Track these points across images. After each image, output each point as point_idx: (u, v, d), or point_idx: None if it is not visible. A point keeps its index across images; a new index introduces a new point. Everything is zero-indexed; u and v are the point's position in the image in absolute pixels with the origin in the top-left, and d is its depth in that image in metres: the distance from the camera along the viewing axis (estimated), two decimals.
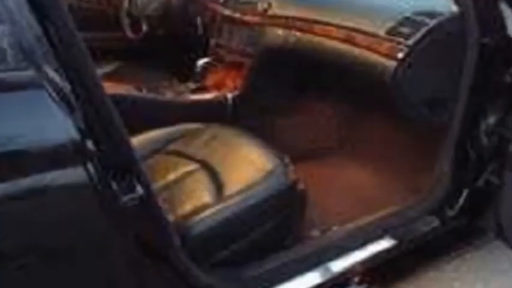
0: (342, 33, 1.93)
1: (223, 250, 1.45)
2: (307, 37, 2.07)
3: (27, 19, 1.04)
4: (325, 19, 2.01)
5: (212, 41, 2.47)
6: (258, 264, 1.49)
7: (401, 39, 1.78)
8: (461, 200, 1.76)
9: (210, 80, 2.42)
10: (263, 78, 2.29)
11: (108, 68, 2.55)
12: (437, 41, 1.76)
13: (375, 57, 1.82)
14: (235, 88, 2.33)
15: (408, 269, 1.78)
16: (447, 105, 1.76)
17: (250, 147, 1.68)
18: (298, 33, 2.10)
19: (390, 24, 1.83)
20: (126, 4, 2.61)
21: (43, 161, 1.05)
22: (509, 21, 1.60)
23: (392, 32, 1.81)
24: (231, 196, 1.50)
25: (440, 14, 1.80)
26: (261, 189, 1.51)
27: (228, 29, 2.42)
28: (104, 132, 1.12)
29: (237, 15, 2.37)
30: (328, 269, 1.56)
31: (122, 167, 1.15)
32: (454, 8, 1.74)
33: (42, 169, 1.04)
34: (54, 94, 1.04)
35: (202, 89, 2.38)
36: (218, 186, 1.56)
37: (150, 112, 2.16)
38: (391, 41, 1.80)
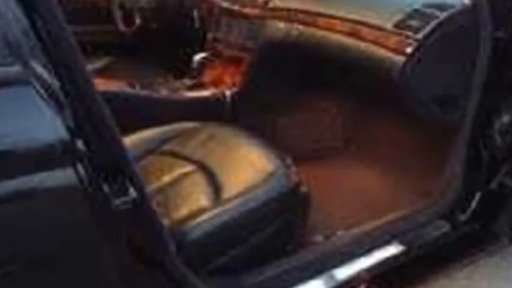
0: (347, 27, 1.93)
1: (222, 256, 1.45)
2: (310, 31, 2.07)
3: (13, 11, 1.04)
4: (329, 11, 2.01)
5: (209, 35, 2.48)
6: (258, 271, 1.49)
7: (410, 33, 1.78)
8: (473, 204, 1.76)
9: (207, 76, 2.43)
10: (263, 74, 2.29)
11: (99, 64, 2.55)
12: (448, 35, 1.76)
13: (382, 52, 1.82)
14: (234, 85, 2.33)
15: (417, 277, 1.78)
16: (459, 102, 1.76)
17: (249, 148, 1.68)
18: (300, 27, 2.10)
19: (398, 16, 1.83)
20: None
21: (30, 162, 1.05)
22: None
23: (400, 25, 1.81)
24: (229, 199, 1.50)
25: (452, 6, 1.79)
26: (261, 192, 1.51)
27: (226, 22, 2.43)
28: (95, 131, 1.12)
29: (236, 7, 2.38)
30: (332, 277, 1.56)
31: (114, 168, 1.15)
32: (466, 0, 1.74)
33: (29, 171, 1.04)
34: (42, 91, 1.04)
35: (199, 86, 2.39)
36: (216, 188, 1.56)
37: (144, 110, 2.16)
38: (399, 34, 1.79)
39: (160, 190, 1.58)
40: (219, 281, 1.43)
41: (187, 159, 1.69)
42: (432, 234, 1.74)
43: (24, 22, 1.05)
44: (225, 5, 2.42)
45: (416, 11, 1.82)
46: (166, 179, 1.62)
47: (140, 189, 1.18)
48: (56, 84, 1.07)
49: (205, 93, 2.33)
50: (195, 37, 2.54)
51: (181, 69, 2.47)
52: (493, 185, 1.76)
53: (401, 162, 2.06)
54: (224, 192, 1.53)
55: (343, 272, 1.57)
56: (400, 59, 1.78)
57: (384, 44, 1.82)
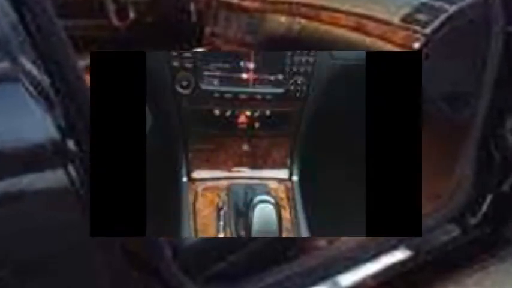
0: (351, 21, 1.93)
1: (220, 262, 1.45)
2: (313, 25, 2.07)
3: (1, 5, 1.04)
4: (333, 5, 2.01)
5: (207, 30, 2.48)
6: (259, 278, 1.49)
7: (417, 28, 1.77)
8: (484, 207, 1.76)
9: None
10: None
11: None
12: (458, 29, 1.76)
13: (388, 48, 1.82)
14: None
15: (425, 283, 1.78)
16: (469, 100, 1.76)
17: None
18: (303, 21, 2.10)
19: (405, 10, 1.82)
20: None
21: (19, 163, 1.05)
22: None
23: (407, 19, 1.81)
24: None
25: None
26: None
27: (224, 15, 2.42)
28: (87, 131, 1.11)
29: (235, 0, 2.38)
30: (336, 283, 1.56)
31: None
32: None
33: (17, 172, 1.04)
34: (31, 88, 1.04)
35: None
36: None
37: None
38: (406, 29, 1.79)
39: None
40: None
41: None
42: (441, 239, 1.74)
43: (13, 16, 1.04)
44: None
45: (424, 4, 1.82)
46: None
47: None
48: (46, 81, 1.07)
49: None
50: (192, 32, 2.54)
51: None
52: (505, 187, 1.76)
53: None
54: None
55: (347, 279, 1.57)
56: None
57: (390, 39, 1.82)
